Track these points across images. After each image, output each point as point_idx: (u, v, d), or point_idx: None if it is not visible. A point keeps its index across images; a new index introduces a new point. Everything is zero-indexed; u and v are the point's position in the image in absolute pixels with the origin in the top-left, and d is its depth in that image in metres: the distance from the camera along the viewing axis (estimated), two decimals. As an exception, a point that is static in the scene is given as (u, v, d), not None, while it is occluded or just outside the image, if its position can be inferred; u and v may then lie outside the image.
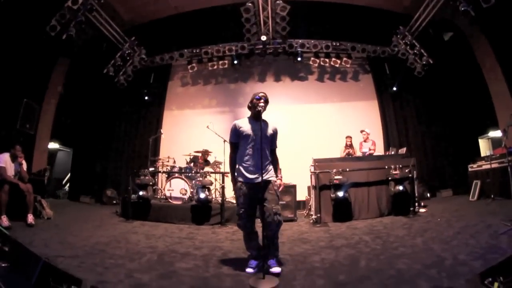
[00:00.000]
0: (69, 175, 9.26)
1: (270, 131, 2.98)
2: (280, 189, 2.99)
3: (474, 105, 7.82)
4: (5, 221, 3.97)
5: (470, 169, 6.70)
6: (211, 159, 7.11)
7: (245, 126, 2.92)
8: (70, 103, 8.68)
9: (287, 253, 3.40)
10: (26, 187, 4.47)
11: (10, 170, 4.47)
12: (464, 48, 7.83)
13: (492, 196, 5.60)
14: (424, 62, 7.75)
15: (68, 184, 9.24)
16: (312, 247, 3.76)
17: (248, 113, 3.07)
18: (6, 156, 4.48)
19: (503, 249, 2.72)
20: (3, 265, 2.32)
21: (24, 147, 5.10)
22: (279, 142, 3.13)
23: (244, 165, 2.89)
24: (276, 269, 2.67)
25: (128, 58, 8.37)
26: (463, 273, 2.36)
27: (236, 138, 2.96)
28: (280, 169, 3.05)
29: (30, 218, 4.31)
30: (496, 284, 1.91)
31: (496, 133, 7.48)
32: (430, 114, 8.45)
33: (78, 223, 4.89)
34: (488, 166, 6.00)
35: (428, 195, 7.46)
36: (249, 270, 2.85)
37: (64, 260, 2.88)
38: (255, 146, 2.85)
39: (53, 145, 8.74)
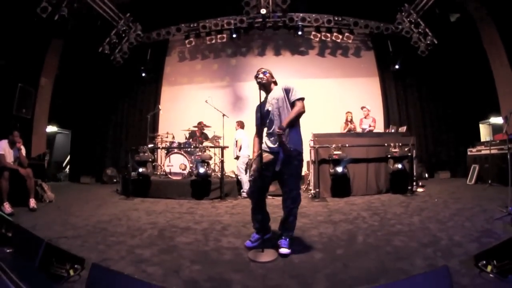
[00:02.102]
0: (68, 157, 9.26)
1: (280, 93, 2.75)
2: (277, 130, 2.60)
3: (477, 90, 7.71)
4: (7, 207, 3.98)
5: (469, 153, 6.70)
6: (210, 133, 7.07)
7: (262, 104, 2.85)
8: (66, 85, 8.53)
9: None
10: (26, 172, 4.45)
11: (9, 156, 4.44)
12: (471, 31, 7.57)
13: (490, 181, 5.64)
14: (428, 42, 7.59)
15: (68, 166, 9.26)
16: (311, 221, 3.82)
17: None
18: (4, 143, 4.45)
19: (497, 234, 2.75)
20: (7, 250, 2.36)
21: (22, 132, 5.06)
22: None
23: (265, 135, 2.84)
24: (283, 250, 2.58)
25: (123, 35, 8.16)
26: (458, 254, 2.39)
27: (258, 120, 2.88)
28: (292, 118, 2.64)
29: (32, 202, 4.33)
30: (489, 267, 1.94)
31: (497, 120, 7.41)
32: (432, 95, 8.37)
33: (79, 204, 4.93)
34: (487, 152, 6.00)
35: (426, 175, 7.53)
36: (248, 243, 2.87)
37: (67, 241, 2.91)
38: (270, 116, 2.77)
39: (51, 128, 8.67)
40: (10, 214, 3.81)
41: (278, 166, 2.67)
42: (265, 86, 2.83)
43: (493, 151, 5.85)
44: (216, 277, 2.18)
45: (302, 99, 2.69)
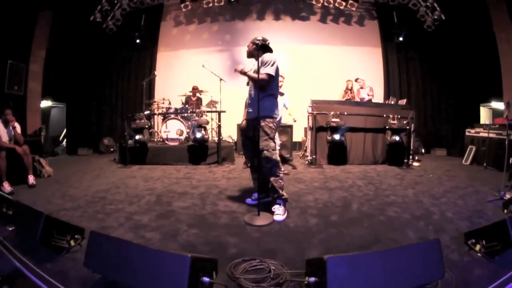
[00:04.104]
0: (65, 130, 9.14)
1: (256, 64, 2.77)
2: (238, 68, 2.85)
3: (481, 72, 7.45)
4: (6, 187, 3.93)
5: (467, 133, 6.62)
6: (207, 98, 6.94)
7: None
8: (58, 57, 8.14)
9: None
10: (23, 150, 4.38)
11: (4, 136, 4.34)
12: (481, 12, 7.14)
13: (485, 164, 5.64)
14: (435, 17, 7.32)
15: (65, 140, 9.17)
16: (307, 187, 3.89)
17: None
18: None
19: (488, 216, 2.78)
20: (9, 228, 2.37)
21: (16, 109, 4.91)
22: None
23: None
24: (277, 217, 2.63)
25: (115, 1, 7.76)
26: (448, 230, 2.44)
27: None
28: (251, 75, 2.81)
29: (31, 179, 4.29)
30: (478, 246, 1.98)
31: (498, 104, 7.25)
32: (434, 71, 8.14)
33: (77, 176, 4.92)
34: (485, 134, 5.93)
35: (423, 150, 7.54)
36: (248, 200, 3.08)
37: (67, 213, 2.93)
38: (249, 85, 2.96)
39: (45, 103, 8.42)
40: (10, 193, 3.79)
41: (251, 132, 2.88)
42: (252, 55, 2.87)
43: (491, 135, 5.79)
44: (213, 241, 2.23)
45: (267, 74, 2.72)
